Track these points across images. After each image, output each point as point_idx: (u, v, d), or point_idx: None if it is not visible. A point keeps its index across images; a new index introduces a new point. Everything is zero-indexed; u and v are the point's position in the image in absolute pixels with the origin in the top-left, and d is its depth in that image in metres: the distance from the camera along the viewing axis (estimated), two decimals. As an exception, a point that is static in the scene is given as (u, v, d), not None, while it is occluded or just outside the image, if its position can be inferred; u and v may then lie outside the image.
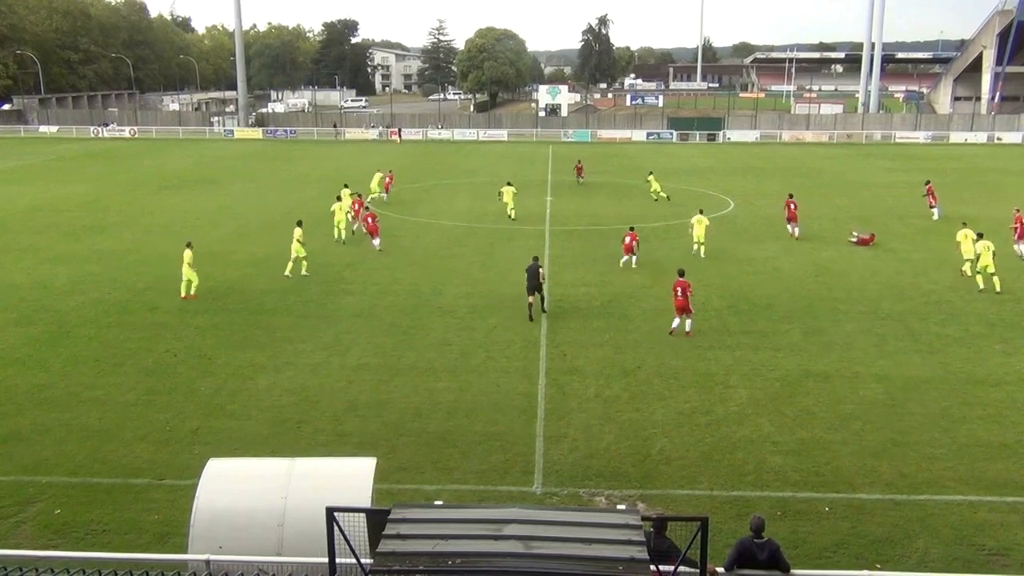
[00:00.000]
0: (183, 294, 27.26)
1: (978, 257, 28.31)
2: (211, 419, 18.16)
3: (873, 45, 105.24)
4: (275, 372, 20.91)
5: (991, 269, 27.78)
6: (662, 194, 47.85)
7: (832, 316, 25.57)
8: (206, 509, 10.85)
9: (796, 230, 36.99)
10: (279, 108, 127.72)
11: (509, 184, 43.46)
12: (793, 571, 11.03)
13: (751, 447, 16.79)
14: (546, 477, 15.62)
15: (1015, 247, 33.20)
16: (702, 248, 33.60)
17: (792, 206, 37.46)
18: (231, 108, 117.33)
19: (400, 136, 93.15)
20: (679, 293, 23.68)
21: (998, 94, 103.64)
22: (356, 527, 9.58)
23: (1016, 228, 33.38)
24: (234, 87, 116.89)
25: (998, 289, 27.55)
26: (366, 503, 10.62)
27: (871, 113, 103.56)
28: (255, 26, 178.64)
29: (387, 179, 49.41)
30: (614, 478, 15.57)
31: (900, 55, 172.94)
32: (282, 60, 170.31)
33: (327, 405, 18.89)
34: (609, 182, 56.42)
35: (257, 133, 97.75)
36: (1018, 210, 34.18)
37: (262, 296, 27.84)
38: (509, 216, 41.40)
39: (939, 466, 15.97)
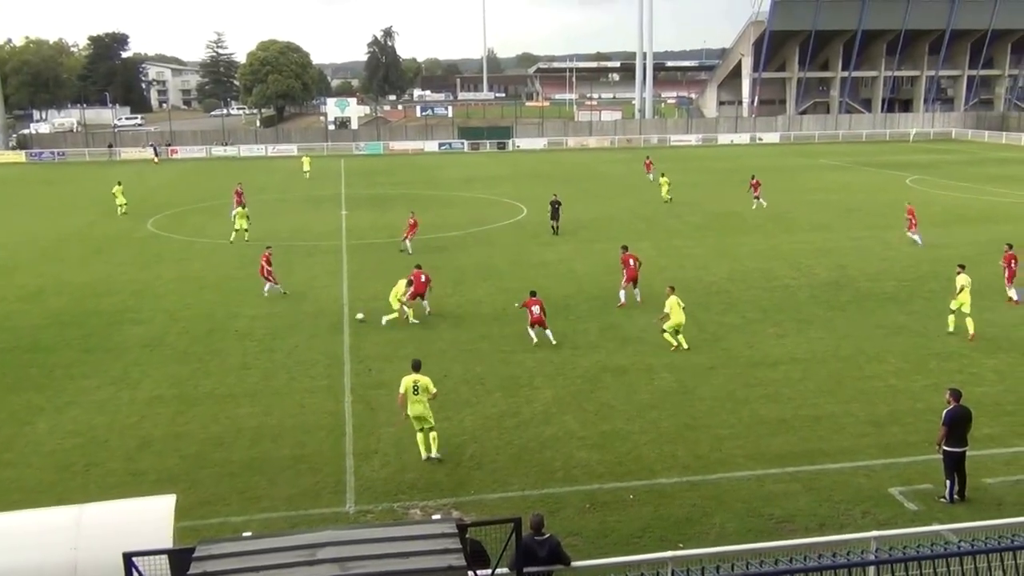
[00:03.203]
0: None
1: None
2: (-17, 471, 16.53)
3: (645, 55, 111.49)
4: (56, 413, 19.34)
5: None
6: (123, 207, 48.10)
7: (625, 312, 26.83)
8: (-17, 572, 9.88)
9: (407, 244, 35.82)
10: (44, 128, 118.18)
11: (243, 206, 41.53)
12: (603, 560, 11.51)
13: (558, 444, 17.32)
14: (359, 495, 15.39)
15: (907, 234, 36.34)
16: None
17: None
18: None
19: (157, 155, 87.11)
20: (632, 264, 27.35)
21: (756, 98, 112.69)
22: (159, 571, 9.08)
23: (909, 219, 36.41)
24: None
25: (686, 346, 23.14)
26: (167, 543, 10.04)
27: (647, 119, 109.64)
28: (10, 41, 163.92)
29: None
30: (428, 489, 15.58)
31: (670, 64, 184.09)
32: (44, 77, 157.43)
33: (118, 444, 17.68)
34: (404, 194, 56.45)
35: (20, 156, 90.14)
36: (909, 203, 37.93)
37: (36, 332, 25.69)
38: (235, 239, 39.01)
39: (729, 445, 17.14)
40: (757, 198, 47.31)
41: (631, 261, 27.83)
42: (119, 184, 49.39)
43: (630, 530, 14.03)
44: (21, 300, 29.65)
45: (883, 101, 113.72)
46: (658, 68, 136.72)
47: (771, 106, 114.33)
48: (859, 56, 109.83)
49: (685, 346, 22.88)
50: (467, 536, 10.07)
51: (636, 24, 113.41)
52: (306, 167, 68.62)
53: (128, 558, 8.80)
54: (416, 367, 16.99)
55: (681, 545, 12.96)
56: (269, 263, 29.50)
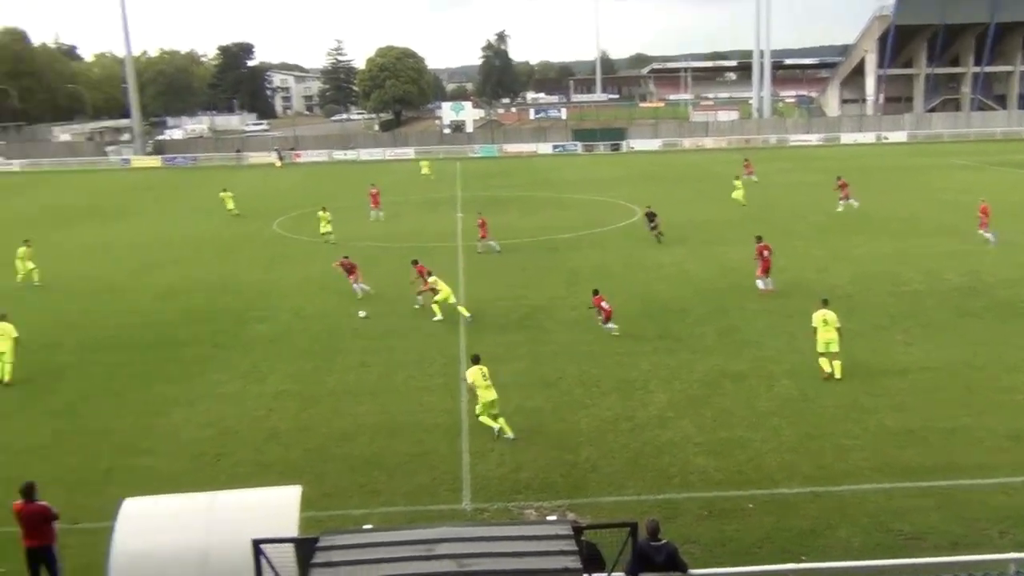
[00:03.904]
0: None
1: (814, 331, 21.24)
2: (124, 458, 17.51)
3: (762, 53, 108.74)
4: (189, 405, 20.30)
5: (834, 347, 20.88)
6: (234, 211, 50.27)
7: (743, 315, 26.24)
8: (124, 552, 10.44)
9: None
10: (177, 135, 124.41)
11: (324, 209, 42.28)
12: (721, 569, 11.28)
13: (675, 450, 17.07)
14: (475, 493, 15.56)
15: (979, 232, 35.51)
16: None
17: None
18: (126, 136, 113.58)
19: (281, 159, 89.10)
20: (766, 254, 28.55)
21: (882, 96, 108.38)
22: (285, 558, 9.39)
23: (982, 217, 35.72)
24: (127, 115, 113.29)
25: (838, 376, 20.64)
26: (293, 533, 10.39)
27: (765, 118, 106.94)
28: (145, 52, 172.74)
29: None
30: (543, 489, 15.61)
31: (788, 61, 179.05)
32: (177, 86, 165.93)
33: (247, 435, 18.43)
34: (519, 196, 56.78)
35: (156, 161, 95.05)
36: (983, 200, 36.90)
37: (171, 329, 27.02)
38: (327, 241, 40.15)
39: (854, 456, 16.51)
40: (846, 199, 45.19)
41: (764, 252, 28.48)
42: (225, 190, 51.94)
43: (750, 540, 13.69)
44: (158, 298, 31.22)
45: (1019, 97, 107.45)
46: (776, 66, 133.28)
47: (897, 104, 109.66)
48: (992, 50, 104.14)
49: (837, 375, 20.40)
50: (582, 539, 10.04)
51: (753, 21, 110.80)
52: (425, 170, 70.27)
53: (257, 545, 9.13)
54: (476, 360, 18.31)
55: (804, 558, 12.57)
56: (348, 270, 30.17)
